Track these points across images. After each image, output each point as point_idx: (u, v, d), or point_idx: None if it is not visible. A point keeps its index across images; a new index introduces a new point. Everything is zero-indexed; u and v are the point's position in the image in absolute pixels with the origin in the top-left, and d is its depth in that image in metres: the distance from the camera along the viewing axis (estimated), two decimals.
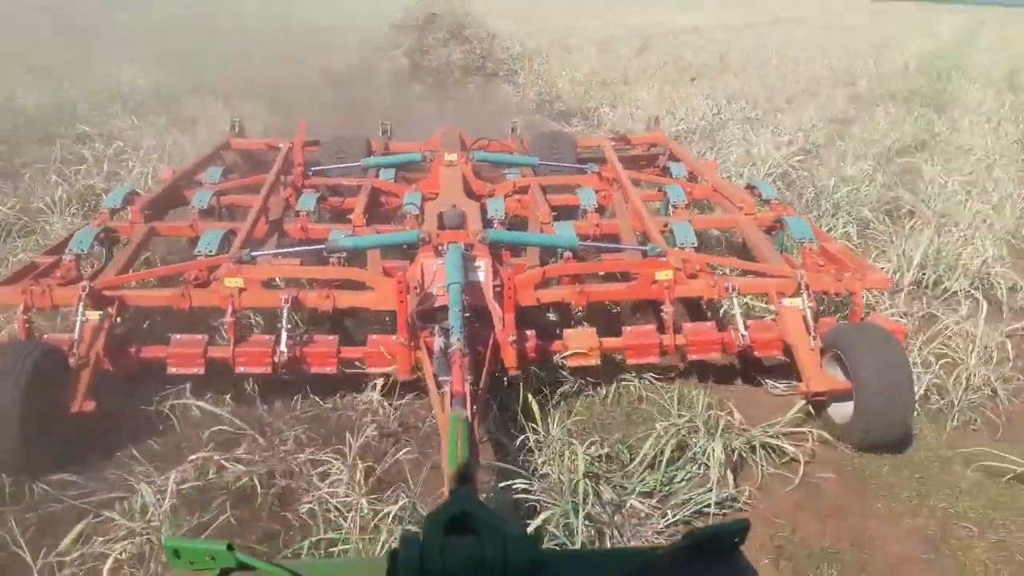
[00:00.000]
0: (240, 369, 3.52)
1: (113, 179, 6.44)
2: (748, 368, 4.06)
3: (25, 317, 3.48)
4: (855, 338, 3.44)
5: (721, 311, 4.54)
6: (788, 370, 3.86)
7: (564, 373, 3.80)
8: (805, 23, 26.45)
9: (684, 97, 11.29)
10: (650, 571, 1.19)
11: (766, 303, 4.20)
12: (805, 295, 3.68)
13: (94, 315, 3.43)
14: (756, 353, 3.72)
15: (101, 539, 2.74)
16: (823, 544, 2.96)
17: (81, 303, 3.41)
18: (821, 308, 4.06)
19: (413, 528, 2.82)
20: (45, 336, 3.47)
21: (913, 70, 16.20)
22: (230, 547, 1.19)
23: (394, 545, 1.13)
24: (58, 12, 19.86)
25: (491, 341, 3.44)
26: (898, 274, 5.31)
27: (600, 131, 9.34)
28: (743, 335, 3.68)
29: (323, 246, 4.07)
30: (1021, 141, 9.90)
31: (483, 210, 4.65)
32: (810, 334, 3.57)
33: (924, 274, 5.36)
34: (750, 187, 5.28)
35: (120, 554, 2.67)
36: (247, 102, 9.60)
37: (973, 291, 5.08)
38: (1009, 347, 4.31)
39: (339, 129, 6.47)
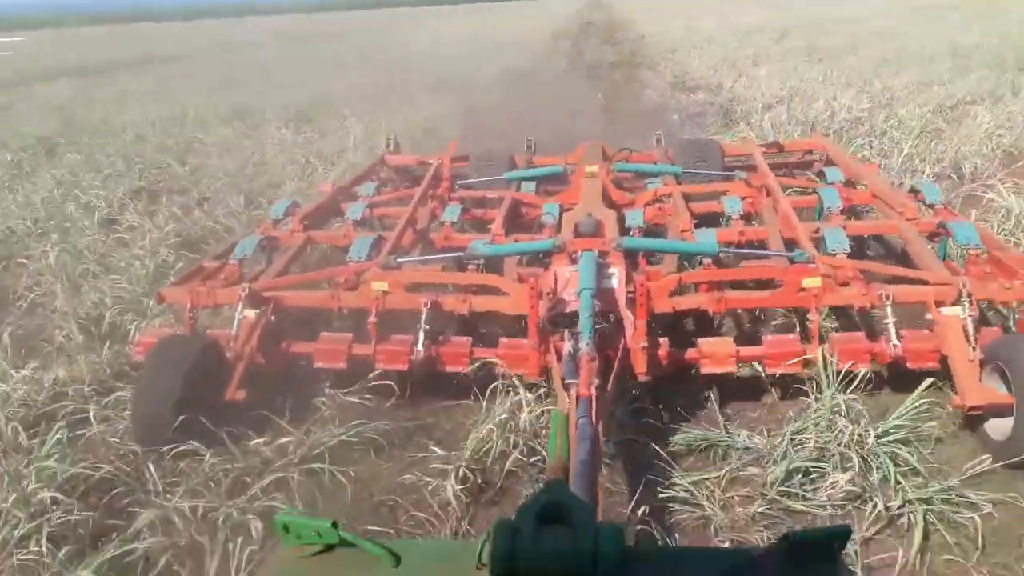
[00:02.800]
0: (380, 366, 3.69)
1: None
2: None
3: (191, 314, 3.85)
4: (1020, 349, 3.11)
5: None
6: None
7: None
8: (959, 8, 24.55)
9: (798, 71, 13.09)
10: (743, 572, 1.15)
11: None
12: (966, 303, 3.38)
13: (251, 313, 3.73)
14: (908, 364, 3.44)
15: None
16: None
17: (241, 302, 3.72)
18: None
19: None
20: (207, 331, 3.82)
21: None
22: (334, 524, 1.26)
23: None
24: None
25: (621, 347, 3.41)
26: None
27: (720, 97, 11.48)
28: (895, 344, 3.42)
29: (463, 253, 4.21)
30: None
31: (621, 219, 4.62)
32: (970, 344, 3.27)
33: None
34: (914, 191, 4.92)
35: None
36: (447, 94, 12.46)
37: None
38: None
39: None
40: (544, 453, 3.21)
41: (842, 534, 1.13)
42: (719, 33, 21.30)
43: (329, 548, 1.27)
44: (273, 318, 3.81)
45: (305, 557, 1.27)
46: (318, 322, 4.15)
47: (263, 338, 3.70)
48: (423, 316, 3.74)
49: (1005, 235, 5.21)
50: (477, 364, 3.67)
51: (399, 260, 4.13)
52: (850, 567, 1.16)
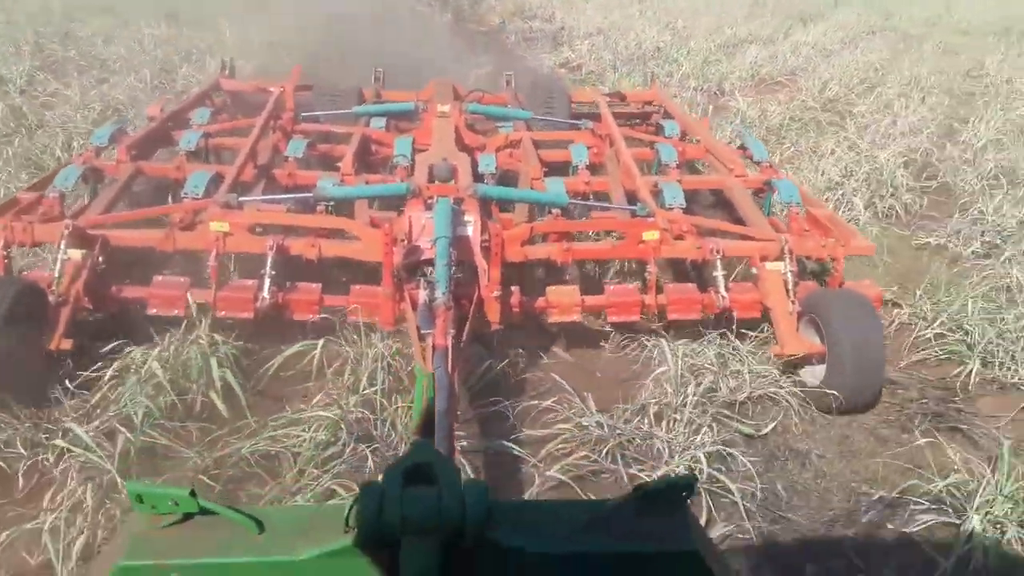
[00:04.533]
0: (221, 313, 3.53)
1: None
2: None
3: (4, 253, 3.47)
4: (831, 302, 3.49)
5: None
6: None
7: None
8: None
9: (621, 8, 14.81)
10: (600, 523, 1.23)
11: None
12: (787, 259, 3.71)
13: (76, 254, 3.42)
14: (735, 314, 3.76)
15: None
16: None
17: (63, 241, 3.40)
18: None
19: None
20: (24, 272, 3.47)
21: None
22: (193, 493, 1.21)
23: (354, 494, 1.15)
24: None
25: (475, 296, 3.46)
26: None
27: (552, 26, 12.97)
28: (723, 297, 3.71)
29: (311, 194, 4.05)
30: None
31: (474, 164, 4.62)
32: (789, 298, 3.61)
33: None
34: (742, 147, 5.26)
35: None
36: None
37: None
38: None
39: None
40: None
41: (687, 484, 1.24)
42: None
43: (188, 517, 1.23)
44: (101, 259, 3.51)
45: (162, 528, 1.22)
46: (150, 263, 3.88)
47: (90, 281, 3.42)
48: (268, 260, 3.59)
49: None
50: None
51: (240, 199, 3.90)
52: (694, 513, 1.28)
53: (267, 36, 9.96)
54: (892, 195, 5.93)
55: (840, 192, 5.91)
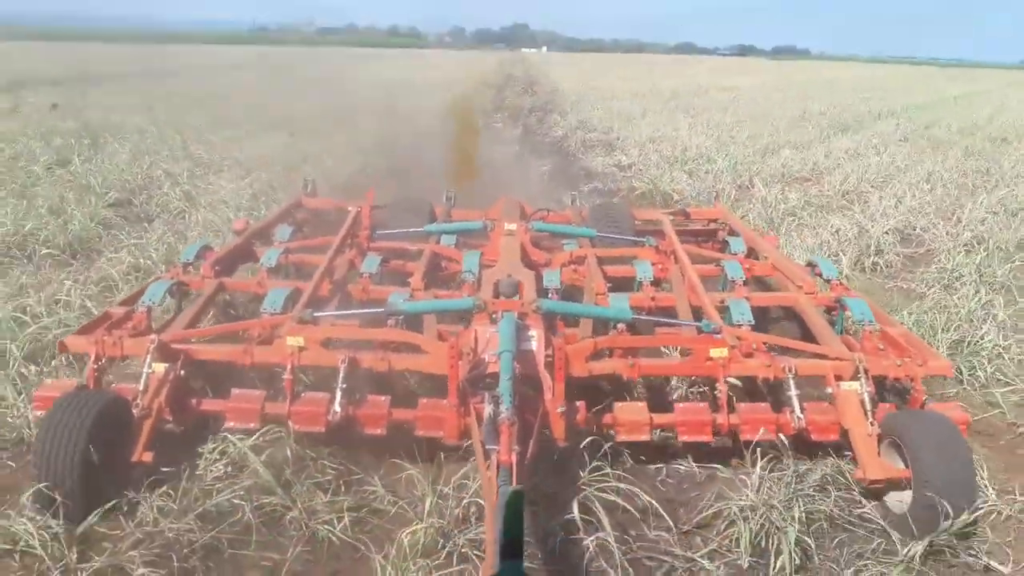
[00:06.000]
0: (295, 427, 3.60)
1: None
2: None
3: (96, 366, 3.65)
4: (914, 425, 3.34)
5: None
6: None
7: None
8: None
9: (671, 122, 17.52)
10: None
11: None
12: (863, 379, 3.60)
13: (160, 367, 3.57)
14: (812, 436, 3.63)
15: None
16: None
17: (149, 355, 3.56)
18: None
19: None
20: (112, 385, 3.62)
21: None
22: None
23: None
24: None
25: (540, 411, 3.45)
26: None
27: (610, 136, 15.22)
28: (799, 417, 3.61)
29: (382, 309, 4.17)
30: None
31: (539, 280, 4.71)
32: (868, 419, 3.48)
33: None
34: (811, 264, 5.23)
35: None
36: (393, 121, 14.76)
37: None
38: None
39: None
40: None
41: None
42: (622, 92, 25.99)
43: None
44: (183, 373, 3.66)
45: None
46: (229, 376, 4.01)
47: (172, 394, 3.55)
48: (341, 374, 3.68)
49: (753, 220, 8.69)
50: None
51: (316, 314, 4.03)
52: None
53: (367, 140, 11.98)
54: (877, 254, 7.59)
55: (827, 251, 7.50)
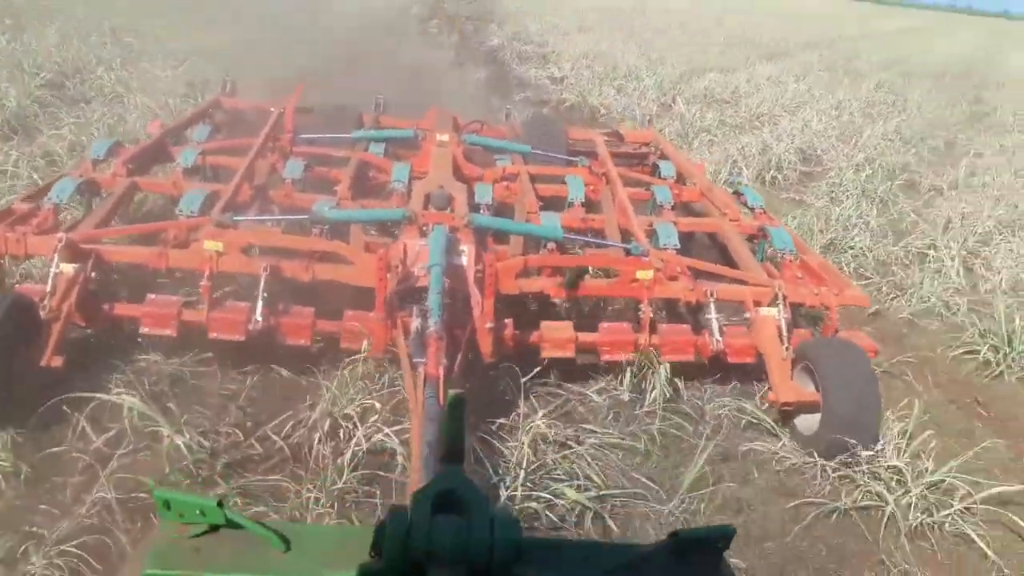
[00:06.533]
0: (213, 335, 3.50)
1: None
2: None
3: None
4: (826, 351, 3.49)
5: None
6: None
7: None
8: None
9: (608, 39, 17.44)
10: (634, 567, 1.21)
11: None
12: (781, 305, 3.73)
13: (69, 268, 3.37)
14: (728, 358, 3.76)
15: None
16: None
17: (56, 254, 3.36)
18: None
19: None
20: (16, 286, 3.42)
21: None
22: (220, 504, 1.19)
23: (382, 518, 1.13)
24: None
25: (469, 327, 3.45)
26: None
27: (545, 49, 15.29)
28: (717, 340, 3.72)
29: (306, 216, 4.04)
30: None
31: (471, 194, 4.63)
32: (783, 344, 3.62)
33: None
34: (737, 193, 5.31)
35: None
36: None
37: None
38: None
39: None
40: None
41: (727, 534, 1.21)
42: (565, 8, 25.29)
43: (214, 528, 1.21)
44: (94, 274, 3.47)
45: (188, 538, 1.21)
46: (144, 280, 3.85)
47: (82, 297, 3.37)
48: (261, 282, 3.57)
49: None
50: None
51: (235, 218, 3.88)
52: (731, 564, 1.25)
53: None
54: (777, 169, 8.38)
55: (732, 165, 8.13)
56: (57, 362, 3.16)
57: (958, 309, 5.40)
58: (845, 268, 5.74)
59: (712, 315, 3.81)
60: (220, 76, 6.69)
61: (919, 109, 13.32)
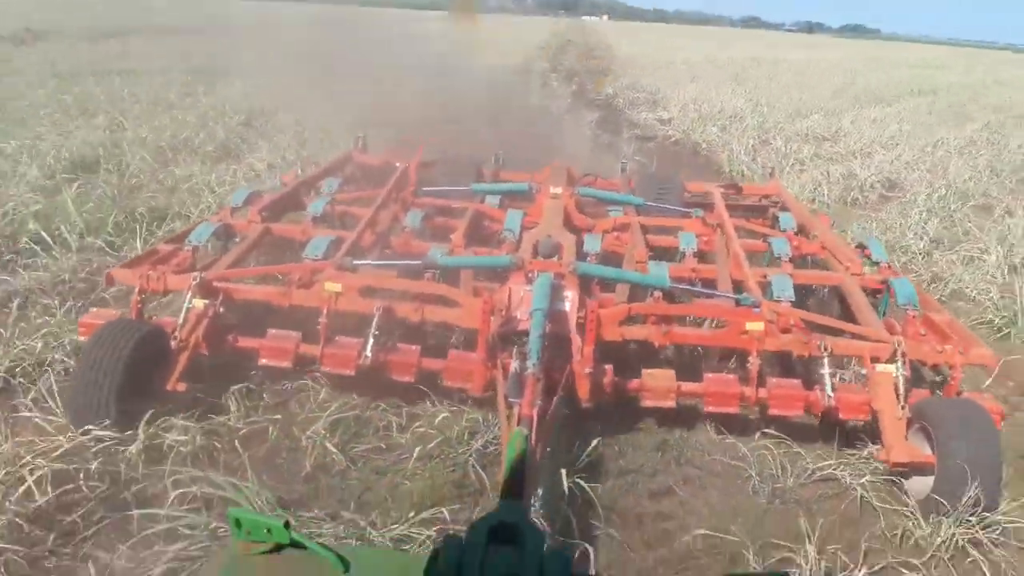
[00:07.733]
0: (326, 368, 3.68)
1: None
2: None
3: (139, 298, 3.78)
4: (945, 412, 3.25)
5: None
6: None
7: None
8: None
9: (716, 87, 18.65)
10: None
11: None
12: (900, 362, 3.51)
13: (200, 303, 3.68)
14: (840, 415, 3.57)
15: None
16: None
17: (190, 291, 3.68)
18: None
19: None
20: (153, 317, 3.76)
21: None
22: (287, 524, 1.25)
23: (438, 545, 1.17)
24: None
25: (567, 371, 3.46)
26: None
27: (655, 96, 16.73)
28: (829, 396, 3.54)
29: (420, 262, 4.22)
30: None
31: (580, 244, 4.69)
32: (899, 402, 3.40)
33: None
34: (861, 246, 5.09)
35: None
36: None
37: None
38: None
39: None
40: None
41: None
42: (677, 60, 27.11)
43: (278, 548, 1.27)
44: (222, 310, 3.76)
45: (253, 555, 1.26)
46: (267, 316, 4.11)
47: (209, 329, 3.66)
48: (374, 321, 3.74)
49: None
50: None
51: (356, 262, 4.12)
52: None
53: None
54: (859, 191, 9.15)
55: (815, 188, 8.91)
56: (182, 387, 3.43)
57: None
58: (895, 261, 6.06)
59: (825, 370, 3.64)
60: (373, 119, 7.63)
61: (1020, 147, 13.48)
